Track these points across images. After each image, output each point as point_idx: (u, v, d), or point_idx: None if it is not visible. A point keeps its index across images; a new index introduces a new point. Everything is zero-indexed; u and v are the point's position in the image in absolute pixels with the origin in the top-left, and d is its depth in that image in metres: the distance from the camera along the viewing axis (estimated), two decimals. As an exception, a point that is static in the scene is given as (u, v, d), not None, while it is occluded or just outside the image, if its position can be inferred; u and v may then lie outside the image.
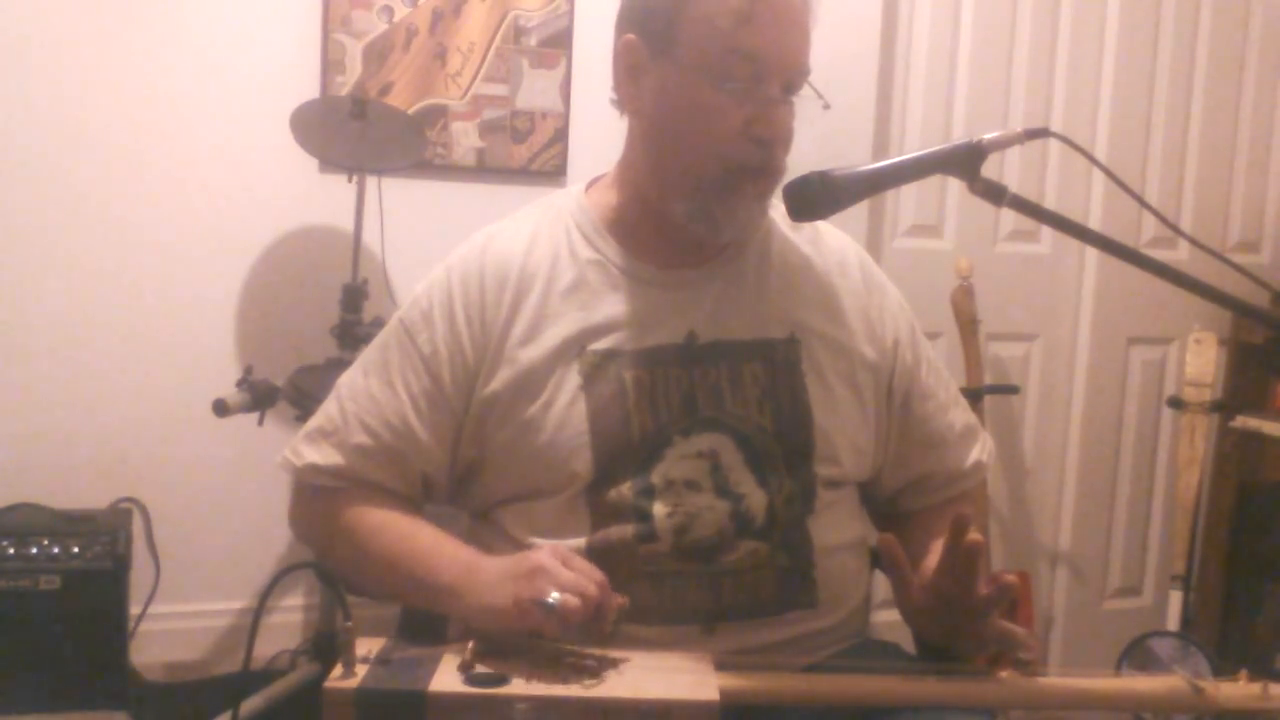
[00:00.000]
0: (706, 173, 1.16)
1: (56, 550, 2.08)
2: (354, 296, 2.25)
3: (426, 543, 1.18)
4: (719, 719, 0.95)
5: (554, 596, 1.00)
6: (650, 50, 1.18)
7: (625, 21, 1.21)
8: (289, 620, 2.52)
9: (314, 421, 1.26)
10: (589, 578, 1.03)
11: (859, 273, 1.32)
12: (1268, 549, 2.80)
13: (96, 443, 2.38)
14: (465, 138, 2.53)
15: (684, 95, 1.16)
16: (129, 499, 2.37)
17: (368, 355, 1.27)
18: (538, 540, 1.17)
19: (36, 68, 2.30)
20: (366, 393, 1.23)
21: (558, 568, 1.04)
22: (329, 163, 2.37)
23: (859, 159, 1.10)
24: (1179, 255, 2.71)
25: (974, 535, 1.04)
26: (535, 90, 2.55)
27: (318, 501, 1.25)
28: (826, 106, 1.19)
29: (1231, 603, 2.85)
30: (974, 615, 1.07)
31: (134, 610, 2.27)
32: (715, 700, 0.96)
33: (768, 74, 1.14)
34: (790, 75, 1.16)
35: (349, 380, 1.26)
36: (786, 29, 1.15)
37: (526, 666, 0.99)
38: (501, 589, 1.06)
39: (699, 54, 1.14)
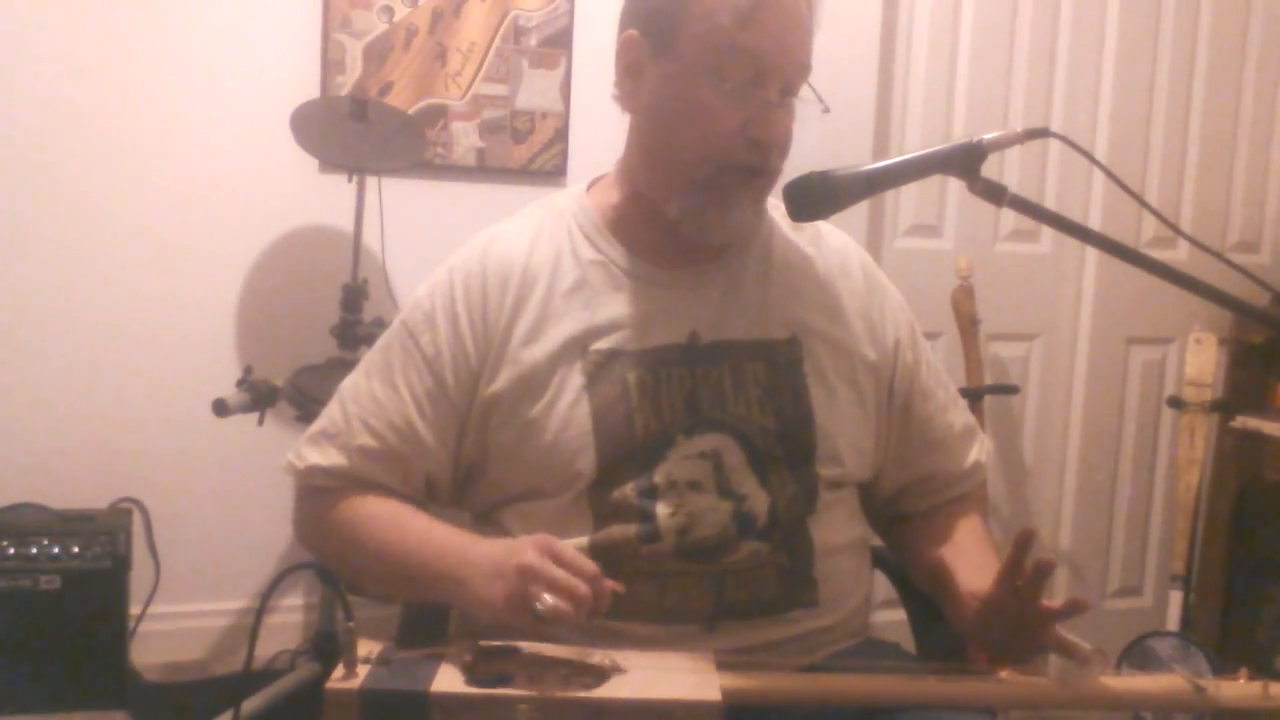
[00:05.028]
0: (701, 172, 1.16)
1: (56, 550, 2.09)
2: (354, 296, 2.25)
3: (419, 530, 1.17)
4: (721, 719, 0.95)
5: (545, 601, 0.98)
6: (651, 47, 1.17)
7: (628, 17, 1.20)
8: (289, 620, 2.52)
9: (317, 425, 1.26)
10: (580, 572, 1.01)
11: (860, 273, 1.32)
12: (1268, 549, 2.80)
13: (96, 443, 2.38)
14: (465, 138, 2.53)
15: (683, 93, 1.15)
16: (129, 499, 2.37)
17: (370, 358, 1.27)
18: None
19: (37, 69, 2.30)
20: (369, 394, 1.23)
21: (548, 567, 1.01)
22: (329, 163, 2.37)
23: (859, 159, 1.10)
24: (1179, 255, 2.71)
25: (1046, 555, 1.04)
26: (535, 90, 2.55)
27: (321, 504, 1.25)
28: (825, 110, 1.19)
29: (1231, 603, 2.85)
30: (1035, 627, 1.07)
31: (134, 610, 2.27)
32: (718, 700, 0.96)
33: (768, 75, 1.14)
34: (790, 76, 1.16)
35: (352, 383, 1.26)
36: (789, 28, 1.14)
37: (529, 666, 0.99)
38: (493, 585, 1.05)
39: (699, 51, 1.13)
